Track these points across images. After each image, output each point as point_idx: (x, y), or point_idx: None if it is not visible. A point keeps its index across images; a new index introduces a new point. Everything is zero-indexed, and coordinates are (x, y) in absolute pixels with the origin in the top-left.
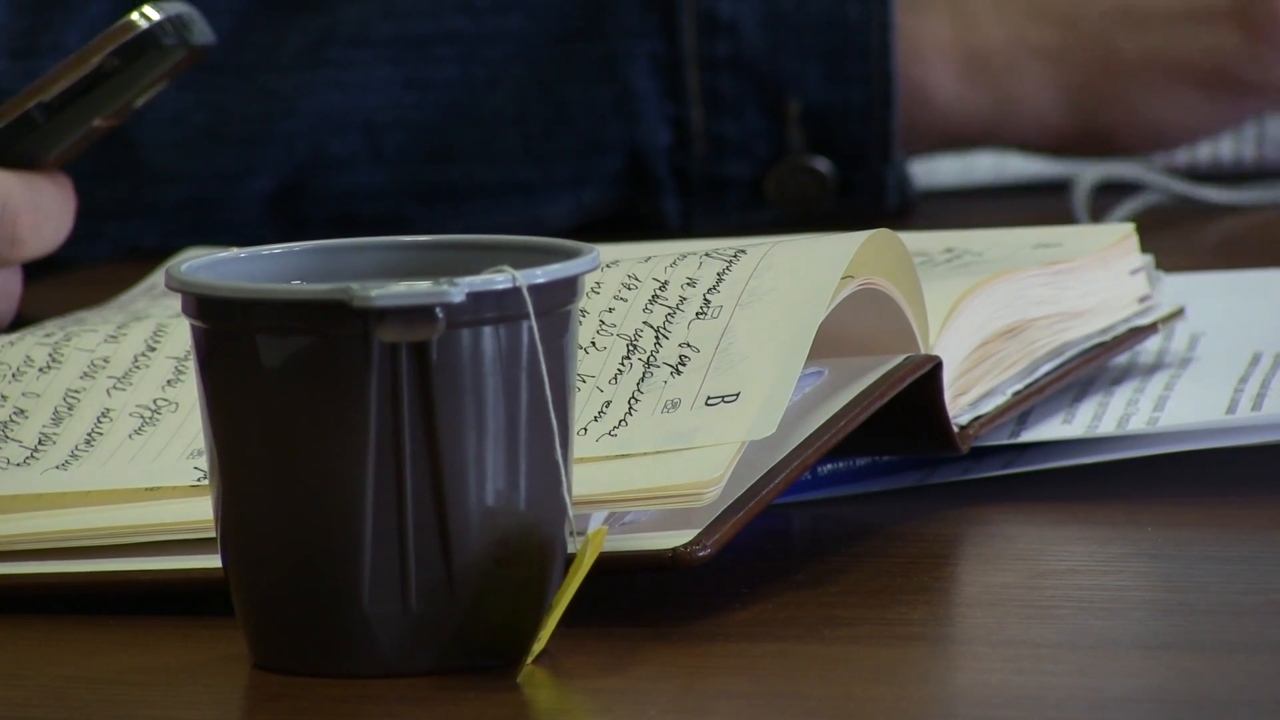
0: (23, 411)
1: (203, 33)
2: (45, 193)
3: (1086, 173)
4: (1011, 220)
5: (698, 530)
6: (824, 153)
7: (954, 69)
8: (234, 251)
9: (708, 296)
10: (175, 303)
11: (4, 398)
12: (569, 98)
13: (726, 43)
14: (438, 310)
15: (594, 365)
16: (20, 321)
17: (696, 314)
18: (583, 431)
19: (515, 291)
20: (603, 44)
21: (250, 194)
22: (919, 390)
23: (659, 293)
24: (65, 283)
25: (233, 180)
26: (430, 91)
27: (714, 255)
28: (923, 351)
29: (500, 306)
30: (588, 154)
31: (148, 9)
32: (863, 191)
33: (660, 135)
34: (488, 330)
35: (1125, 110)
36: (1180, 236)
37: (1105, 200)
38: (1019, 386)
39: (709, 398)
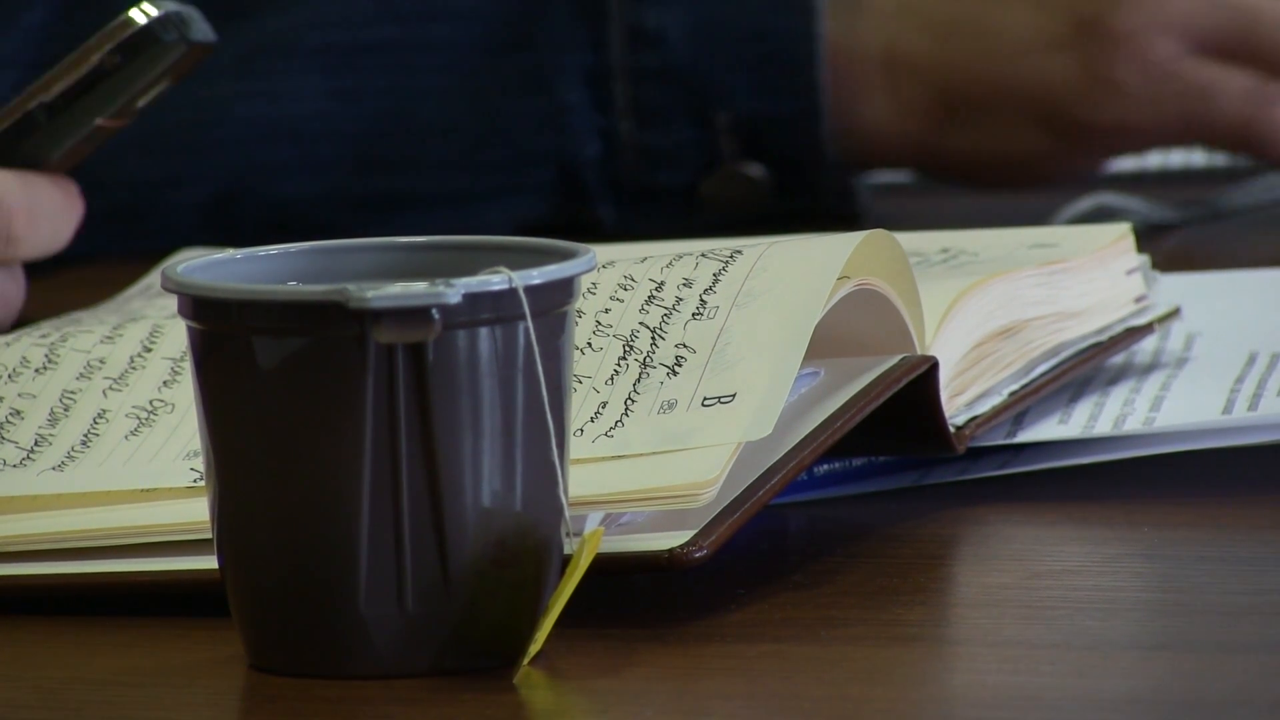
0: (19, 412)
1: (202, 30)
2: (44, 193)
3: (1082, 202)
4: (1008, 221)
5: (694, 531)
6: (758, 158)
7: (841, 80)
8: (230, 252)
9: (704, 297)
10: (171, 303)
11: (0, 399)
12: (499, 109)
13: (655, 54)
14: (434, 311)
15: (590, 366)
16: (17, 322)
17: (693, 315)
18: (579, 432)
19: (511, 293)
20: (532, 55)
21: (183, 203)
22: (915, 391)
23: (655, 293)
24: (61, 283)
25: (165, 189)
26: (360, 101)
27: (710, 256)
28: (919, 352)
29: (496, 308)
30: (518, 165)
31: (145, 5)
32: (800, 196)
33: (590, 147)
34: (484, 331)
35: (972, 136)
36: (1176, 236)
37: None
38: (1015, 387)
39: (705, 398)
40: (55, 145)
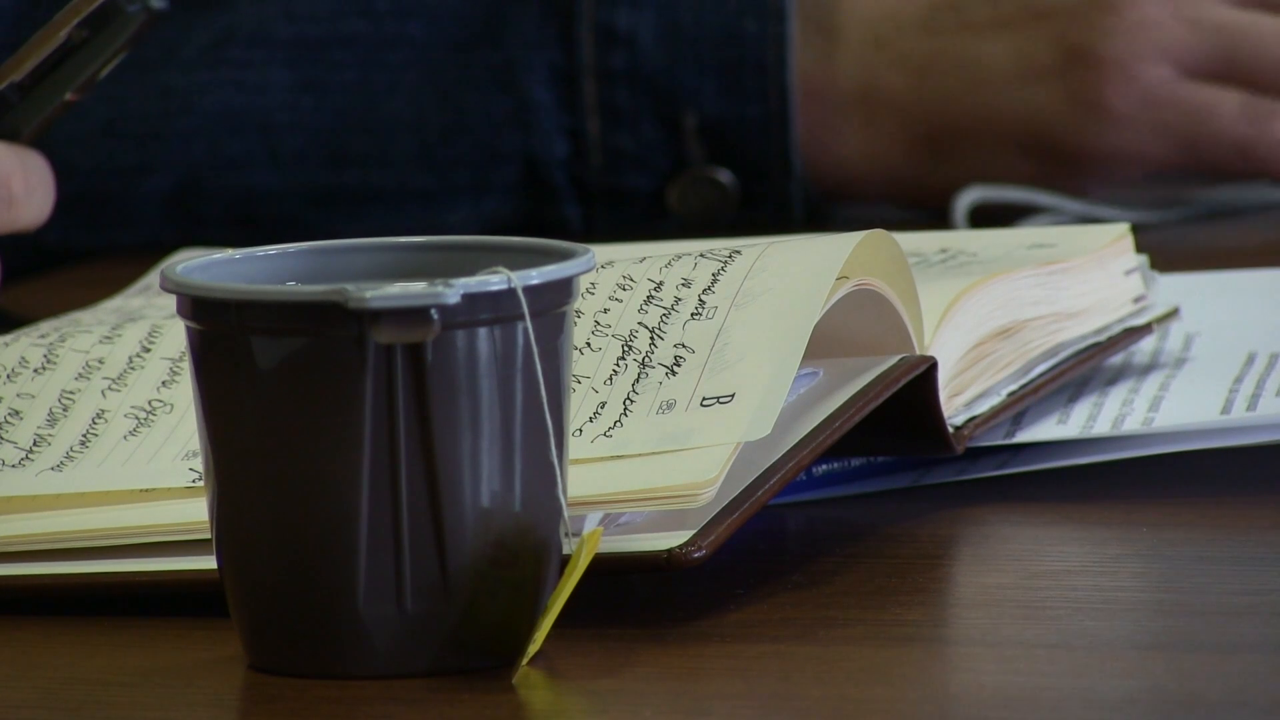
0: (18, 413)
1: None
2: (31, 161)
3: (966, 195)
4: (908, 223)
5: (693, 531)
6: (725, 164)
7: (816, 113)
8: (229, 252)
9: (703, 297)
10: (170, 303)
11: None
12: (466, 106)
13: (623, 55)
14: (433, 311)
15: (589, 366)
16: (15, 322)
17: (691, 315)
18: (578, 432)
19: (510, 293)
20: (501, 53)
21: (148, 191)
22: (914, 391)
23: (654, 293)
24: (59, 283)
25: (130, 176)
26: (328, 95)
27: (709, 256)
28: (918, 352)
29: (495, 308)
30: (485, 163)
31: None
32: (766, 204)
33: (557, 146)
34: (483, 331)
35: (958, 169)
36: (1175, 236)
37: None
38: (1014, 387)
39: (704, 398)
40: (27, 123)
